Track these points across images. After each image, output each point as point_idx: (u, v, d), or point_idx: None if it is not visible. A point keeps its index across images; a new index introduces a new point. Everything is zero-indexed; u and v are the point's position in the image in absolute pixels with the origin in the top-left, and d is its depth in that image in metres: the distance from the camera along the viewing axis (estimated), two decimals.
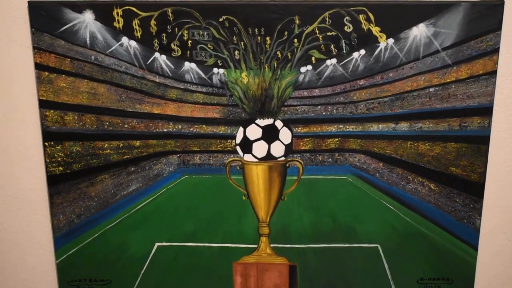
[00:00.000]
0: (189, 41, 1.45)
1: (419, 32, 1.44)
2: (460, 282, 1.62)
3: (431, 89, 1.48)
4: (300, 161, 1.55)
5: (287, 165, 1.56)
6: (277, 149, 1.53)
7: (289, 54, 1.46)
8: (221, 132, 1.53)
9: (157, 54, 1.47)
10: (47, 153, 1.52)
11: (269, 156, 1.54)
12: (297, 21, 1.43)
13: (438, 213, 1.57)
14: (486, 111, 1.49)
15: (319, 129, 1.53)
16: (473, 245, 1.59)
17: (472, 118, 1.49)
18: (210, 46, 1.46)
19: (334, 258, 1.62)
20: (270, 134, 1.52)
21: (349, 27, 1.44)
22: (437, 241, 1.58)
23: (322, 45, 1.45)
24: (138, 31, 1.45)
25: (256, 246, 1.61)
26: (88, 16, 1.43)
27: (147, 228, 1.60)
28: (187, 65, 1.47)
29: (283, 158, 1.55)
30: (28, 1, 1.42)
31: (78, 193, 1.56)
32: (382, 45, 1.45)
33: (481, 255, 1.61)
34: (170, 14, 1.43)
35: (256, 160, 1.54)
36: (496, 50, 1.45)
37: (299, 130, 1.53)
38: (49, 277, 1.66)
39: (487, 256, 1.63)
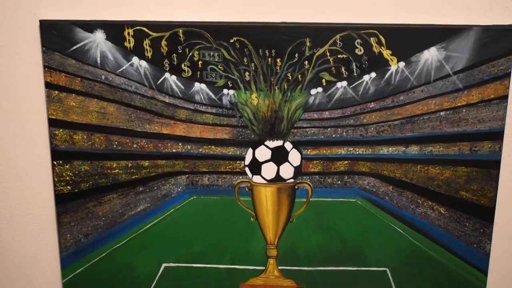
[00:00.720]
0: (200, 62, 1.49)
1: (430, 55, 1.47)
2: None
3: (441, 113, 1.51)
4: (309, 183, 1.58)
5: (296, 187, 1.58)
6: (286, 171, 1.56)
7: (299, 76, 1.49)
8: (230, 153, 1.56)
9: (167, 75, 1.50)
10: (56, 172, 1.55)
11: (278, 178, 1.57)
12: (308, 43, 1.47)
13: (448, 237, 1.59)
14: (497, 136, 1.52)
15: (329, 151, 1.56)
16: (483, 269, 1.60)
17: (482, 142, 1.52)
18: (220, 67, 1.49)
19: (342, 281, 1.64)
20: (279, 156, 1.55)
21: (360, 50, 1.47)
22: (446, 265, 1.61)
23: (333, 68, 1.49)
24: (148, 51, 1.48)
25: (263, 268, 1.63)
26: (99, 36, 1.47)
27: (154, 248, 1.63)
28: (197, 85, 1.51)
29: (292, 180, 1.58)
30: (40, 20, 1.46)
31: (86, 212, 1.59)
32: (393, 68, 1.48)
33: (491, 280, 1.63)
34: (181, 35, 1.47)
35: (265, 181, 1.57)
36: (507, 75, 1.47)
37: (308, 152, 1.56)
38: None
39: (496, 281, 1.65)
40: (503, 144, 1.53)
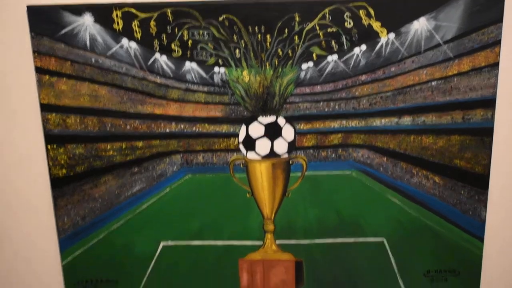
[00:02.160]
0: (189, 41, 1.55)
1: (420, 26, 1.53)
2: (466, 273, 1.72)
3: (433, 83, 1.58)
4: (304, 157, 1.65)
5: (290, 162, 1.66)
6: (280, 146, 1.63)
7: (290, 52, 1.56)
8: (223, 131, 1.63)
9: (157, 55, 1.56)
10: (50, 156, 1.62)
11: (272, 154, 1.64)
12: (297, 19, 1.53)
13: (443, 206, 1.67)
14: (489, 103, 1.59)
15: (322, 125, 1.63)
16: (479, 236, 1.69)
17: (475, 110, 1.59)
18: (210, 46, 1.55)
19: (340, 253, 1.72)
20: (272, 132, 1.62)
21: (350, 23, 1.53)
22: (443, 233, 1.69)
23: (323, 42, 1.55)
24: (138, 33, 1.54)
25: (261, 243, 1.72)
26: (87, 19, 1.52)
27: (152, 228, 1.70)
28: (188, 65, 1.57)
29: (286, 155, 1.65)
30: (27, 6, 1.51)
31: (82, 195, 1.66)
32: (383, 40, 1.54)
33: (487, 247, 1.71)
34: (170, 15, 1.53)
35: (260, 157, 1.64)
36: (497, 42, 1.54)
37: (301, 127, 1.63)
38: (55, 279, 1.77)
39: (493, 247, 1.73)
40: (495, 111, 1.60)
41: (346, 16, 1.51)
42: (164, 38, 1.54)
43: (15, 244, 1.75)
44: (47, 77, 1.56)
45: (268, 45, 1.54)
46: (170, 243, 1.72)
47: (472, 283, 1.74)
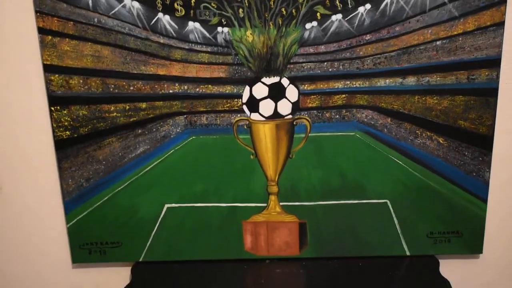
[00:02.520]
0: (192, 0, 1.54)
1: None
2: (469, 235, 1.74)
3: (438, 42, 1.57)
4: (308, 118, 1.66)
5: (294, 123, 1.66)
6: (284, 107, 1.64)
7: (293, 11, 1.55)
8: (227, 91, 1.63)
9: (160, 15, 1.55)
10: (54, 117, 1.63)
11: (276, 115, 1.65)
12: None
13: (447, 167, 1.67)
14: (494, 63, 1.58)
15: (326, 86, 1.63)
16: (483, 198, 1.70)
17: (480, 70, 1.59)
18: (213, 5, 1.55)
19: (343, 214, 1.73)
20: (276, 92, 1.62)
21: None
22: (446, 195, 1.70)
23: (327, 1, 1.54)
24: None
25: (265, 204, 1.73)
26: None
27: (156, 190, 1.71)
28: (191, 24, 1.57)
29: (290, 116, 1.65)
30: None
31: (86, 157, 1.67)
32: None
33: (491, 208, 1.72)
34: None
35: (263, 118, 1.65)
36: (504, 1, 1.52)
37: (305, 88, 1.63)
38: (60, 241, 1.79)
39: (496, 208, 1.75)
40: (500, 72, 1.59)
41: None
42: None
43: (20, 207, 1.77)
44: (49, 37, 1.56)
45: (272, 4, 1.53)
46: (174, 205, 1.73)
47: (475, 245, 1.75)
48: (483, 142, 1.65)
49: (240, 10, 1.54)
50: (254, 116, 1.64)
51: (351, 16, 1.55)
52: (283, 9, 1.54)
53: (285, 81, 1.60)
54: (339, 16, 1.55)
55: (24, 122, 1.67)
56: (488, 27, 1.55)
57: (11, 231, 1.80)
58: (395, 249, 1.76)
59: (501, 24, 1.55)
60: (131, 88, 1.61)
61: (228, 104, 1.63)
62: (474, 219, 1.72)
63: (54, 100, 1.62)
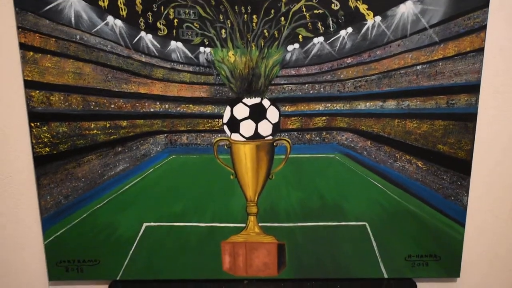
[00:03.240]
0: (175, 20, 1.53)
1: (406, 9, 1.52)
2: (447, 258, 1.72)
3: (418, 67, 1.57)
4: (288, 140, 1.64)
5: (274, 144, 1.64)
6: (265, 128, 1.62)
7: (276, 33, 1.54)
8: (208, 111, 1.62)
9: (143, 33, 1.54)
10: (33, 134, 1.60)
11: (256, 135, 1.63)
12: None
13: (426, 191, 1.66)
14: (473, 88, 1.58)
15: (307, 107, 1.62)
16: (461, 222, 1.68)
17: (459, 95, 1.58)
18: (196, 25, 1.54)
19: (322, 236, 1.71)
20: (257, 113, 1.61)
21: (336, 5, 1.52)
22: (424, 218, 1.68)
23: (309, 23, 1.53)
24: (123, 10, 1.52)
25: (244, 225, 1.70)
26: None
27: (135, 208, 1.69)
28: (173, 44, 1.55)
29: (270, 137, 1.64)
30: None
31: (65, 174, 1.64)
32: (370, 22, 1.53)
33: (468, 232, 1.71)
34: None
35: (244, 139, 1.63)
36: (483, 27, 1.53)
37: (286, 109, 1.61)
38: (37, 258, 1.75)
39: (474, 232, 1.73)
40: (479, 97, 1.59)
41: None
42: (150, 17, 1.52)
43: None
44: (31, 53, 1.54)
45: (254, 26, 1.52)
46: (153, 224, 1.70)
47: (452, 268, 1.74)
48: (462, 167, 1.65)
49: (223, 30, 1.53)
50: (235, 136, 1.62)
51: (332, 39, 1.54)
52: (265, 31, 1.53)
53: (266, 102, 1.59)
54: (321, 39, 1.54)
55: (3, 138, 1.64)
56: (468, 53, 1.55)
57: None
58: (373, 272, 1.74)
59: (480, 50, 1.55)
60: (112, 106, 1.59)
61: (209, 124, 1.62)
62: (452, 242, 1.71)
63: (34, 116, 1.60)
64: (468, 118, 1.60)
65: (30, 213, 1.71)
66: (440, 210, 1.67)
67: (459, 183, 1.64)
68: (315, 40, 1.54)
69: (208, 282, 1.75)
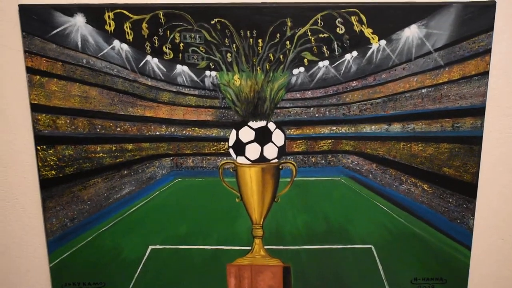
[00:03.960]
0: (181, 44, 1.53)
1: (411, 33, 1.51)
2: (453, 281, 1.70)
3: (423, 90, 1.56)
4: (293, 163, 1.63)
5: (280, 167, 1.63)
6: (270, 151, 1.61)
7: (281, 56, 1.53)
8: (214, 134, 1.61)
9: (149, 57, 1.53)
10: (40, 157, 1.59)
11: (262, 158, 1.61)
12: (289, 23, 1.50)
13: (432, 214, 1.64)
14: (478, 112, 1.56)
15: (312, 131, 1.60)
16: (467, 245, 1.66)
17: (464, 118, 1.57)
18: (202, 49, 1.53)
19: (328, 259, 1.69)
20: (263, 136, 1.59)
21: (341, 29, 1.51)
22: (430, 241, 1.66)
23: (314, 47, 1.53)
24: (129, 34, 1.52)
25: (250, 248, 1.68)
26: (79, 20, 1.49)
27: (141, 231, 1.67)
28: (179, 68, 1.55)
29: (276, 160, 1.62)
30: (19, 5, 1.48)
31: (71, 196, 1.63)
32: (375, 46, 1.52)
33: (475, 255, 1.69)
34: (162, 17, 1.50)
35: (249, 162, 1.62)
36: (488, 51, 1.52)
37: (292, 132, 1.60)
38: (42, 280, 1.73)
39: (480, 255, 1.71)
40: (485, 120, 1.58)
41: (338, 22, 1.49)
42: (156, 41, 1.51)
43: (2, 245, 1.71)
44: (37, 77, 1.53)
45: (260, 50, 1.51)
46: (158, 246, 1.68)
47: None
48: (468, 190, 1.63)
49: (228, 54, 1.52)
50: (240, 159, 1.60)
51: (338, 63, 1.53)
52: (270, 55, 1.52)
53: (271, 126, 1.58)
54: (326, 62, 1.53)
55: (10, 160, 1.63)
56: (473, 76, 1.54)
57: None
58: None
59: (485, 74, 1.54)
60: (118, 129, 1.58)
61: (215, 147, 1.60)
62: (458, 266, 1.69)
63: (41, 139, 1.59)
64: (474, 141, 1.59)
65: (36, 236, 1.69)
66: (446, 233, 1.65)
67: (465, 206, 1.62)
68: (320, 63, 1.53)
69: None
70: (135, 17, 1.50)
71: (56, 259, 1.68)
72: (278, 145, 1.60)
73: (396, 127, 1.58)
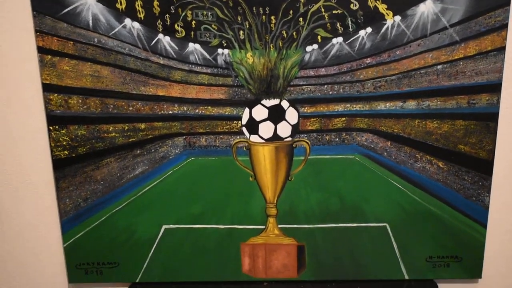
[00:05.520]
0: (193, 22, 1.50)
1: (426, 8, 1.47)
2: (469, 259, 1.67)
3: (439, 67, 1.52)
4: (307, 141, 1.60)
5: (293, 146, 1.61)
6: (284, 129, 1.58)
7: (294, 33, 1.50)
8: (227, 113, 1.58)
9: (160, 36, 1.51)
10: (52, 137, 1.57)
11: (275, 137, 1.59)
12: (302, 0, 1.47)
13: (447, 191, 1.62)
14: (494, 88, 1.53)
15: (326, 108, 1.57)
16: (482, 222, 1.64)
17: (480, 95, 1.54)
18: (214, 27, 1.50)
19: (342, 238, 1.67)
20: (276, 115, 1.57)
21: (355, 5, 1.47)
22: (445, 219, 1.64)
23: (328, 24, 1.49)
24: (141, 12, 1.49)
25: (263, 227, 1.66)
26: None
27: (154, 210, 1.65)
28: (191, 46, 1.52)
29: (289, 139, 1.60)
30: None
31: (84, 176, 1.61)
32: (389, 22, 1.49)
33: (490, 233, 1.66)
34: None
35: (263, 141, 1.59)
36: (504, 26, 1.48)
37: (305, 110, 1.57)
38: (57, 260, 1.72)
39: (496, 233, 1.68)
40: (501, 96, 1.54)
41: None
42: (168, 19, 1.49)
43: (17, 226, 1.70)
44: (49, 57, 1.51)
45: (273, 27, 1.48)
46: (172, 226, 1.67)
47: (474, 269, 1.69)
48: (483, 167, 1.60)
49: (241, 32, 1.49)
50: (254, 138, 1.58)
51: (352, 39, 1.50)
52: (284, 32, 1.49)
53: (285, 104, 1.55)
54: (340, 39, 1.50)
55: (22, 141, 1.61)
56: (489, 52, 1.50)
57: (8, 250, 1.73)
58: (394, 273, 1.70)
59: (502, 49, 1.50)
60: (130, 108, 1.55)
61: (228, 126, 1.58)
62: (473, 243, 1.66)
63: (53, 120, 1.57)
64: (490, 118, 1.55)
65: (49, 216, 1.68)
66: (462, 210, 1.63)
67: (480, 183, 1.60)
68: (334, 40, 1.50)
69: (228, 284, 1.71)
70: None
71: (69, 240, 1.67)
72: (292, 123, 1.57)
73: (411, 104, 1.55)
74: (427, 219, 1.64)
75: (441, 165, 1.59)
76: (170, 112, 1.57)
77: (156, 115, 1.57)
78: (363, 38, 1.50)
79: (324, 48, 1.51)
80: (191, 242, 1.68)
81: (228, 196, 1.64)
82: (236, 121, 1.58)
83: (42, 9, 1.47)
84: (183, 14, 1.48)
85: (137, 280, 1.71)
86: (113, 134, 1.58)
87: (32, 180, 1.65)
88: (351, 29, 1.49)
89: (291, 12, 1.48)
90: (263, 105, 1.55)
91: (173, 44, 1.51)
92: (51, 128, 1.57)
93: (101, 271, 1.70)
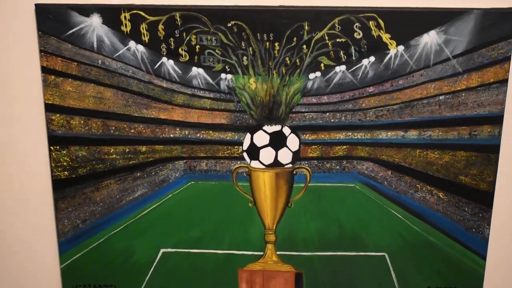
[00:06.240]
0: (197, 46, 1.49)
1: (430, 39, 1.47)
2: None
3: (441, 97, 1.51)
4: (308, 168, 1.58)
5: (294, 172, 1.59)
6: (285, 156, 1.57)
7: (297, 61, 1.50)
8: (228, 138, 1.57)
9: (164, 59, 1.50)
10: (53, 157, 1.56)
11: (276, 163, 1.57)
12: (306, 27, 1.47)
13: (447, 222, 1.60)
14: (496, 120, 1.52)
15: (327, 136, 1.56)
16: (482, 254, 1.61)
17: (482, 126, 1.53)
18: (218, 52, 1.49)
19: (340, 266, 1.65)
20: (277, 141, 1.55)
21: (359, 34, 1.47)
22: (445, 250, 1.61)
23: (331, 52, 1.49)
24: (145, 36, 1.48)
25: (262, 253, 1.64)
26: (95, 20, 1.46)
27: (153, 234, 1.63)
28: (195, 70, 1.51)
29: (290, 165, 1.58)
30: (35, 4, 1.45)
31: (83, 198, 1.59)
32: (392, 52, 1.48)
33: (489, 265, 1.64)
34: (178, 19, 1.47)
35: (263, 166, 1.58)
36: (507, 58, 1.47)
37: (307, 137, 1.56)
38: (53, 282, 1.70)
39: (495, 265, 1.66)
40: (503, 128, 1.53)
41: (356, 26, 1.45)
42: (172, 42, 1.48)
43: (14, 246, 1.68)
44: (52, 77, 1.50)
45: (276, 53, 1.48)
46: (170, 250, 1.65)
47: None
48: (484, 199, 1.58)
49: (244, 57, 1.48)
50: (254, 163, 1.56)
51: (355, 68, 1.49)
52: (287, 58, 1.48)
53: (286, 130, 1.54)
54: (343, 67, 1.49)
55: (23, 161, 1.60)
56: (492, 83, 1.49)
57: (3, 268, 1.71)
58: None
59: (504, 82, 1.50)
60: (132, 131, 1.54)
61: (229, 151, 1.56)
62: (472, 275, 1.64)
63: (54, 140, 1.56)
64: (491, 150, 1.54)
65: (47, 237, 1.66)
66: (461, 242, 1.61)
67: (480, 215, 1.58)
68: (337, 68, 1.49)
69: None
70: (152, 18, 1.46)
71: (67, 261, 1.65)
72: (293, 150, 1.56)
73: (412, 134, 1.54)
74: (426, 249, 1.63)
75: (441, 196, 1.58)
76: (172, 135, 1.56)
77: (158, 138, 1.56)
78: (366, 67, 1.49)
79: (327, 76, 1.50)
80: (189, 267, 1.66)
81: (227, 221, 1.63)
82: (237, 146, 1.57)
83: (47, 30, 1.47)
84: (188, 38, 1.48)
85: None
86: (114, 156, 1.57)
87: (31, 199, 1.64)
88: (354, 58, 1.48)
89: (295, 39, 1.47)
90: (264, 131, 1.54)
91: (176, 68, 1.50)
92: (52, 148, 1.56)
93: None
